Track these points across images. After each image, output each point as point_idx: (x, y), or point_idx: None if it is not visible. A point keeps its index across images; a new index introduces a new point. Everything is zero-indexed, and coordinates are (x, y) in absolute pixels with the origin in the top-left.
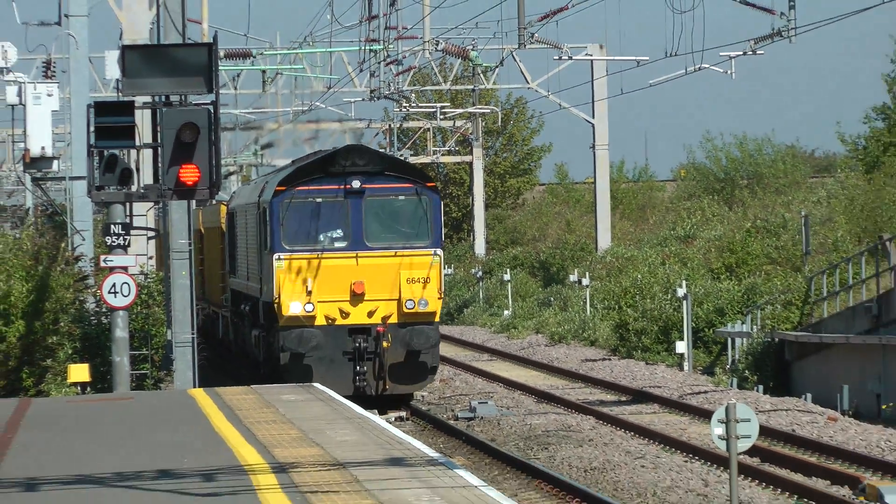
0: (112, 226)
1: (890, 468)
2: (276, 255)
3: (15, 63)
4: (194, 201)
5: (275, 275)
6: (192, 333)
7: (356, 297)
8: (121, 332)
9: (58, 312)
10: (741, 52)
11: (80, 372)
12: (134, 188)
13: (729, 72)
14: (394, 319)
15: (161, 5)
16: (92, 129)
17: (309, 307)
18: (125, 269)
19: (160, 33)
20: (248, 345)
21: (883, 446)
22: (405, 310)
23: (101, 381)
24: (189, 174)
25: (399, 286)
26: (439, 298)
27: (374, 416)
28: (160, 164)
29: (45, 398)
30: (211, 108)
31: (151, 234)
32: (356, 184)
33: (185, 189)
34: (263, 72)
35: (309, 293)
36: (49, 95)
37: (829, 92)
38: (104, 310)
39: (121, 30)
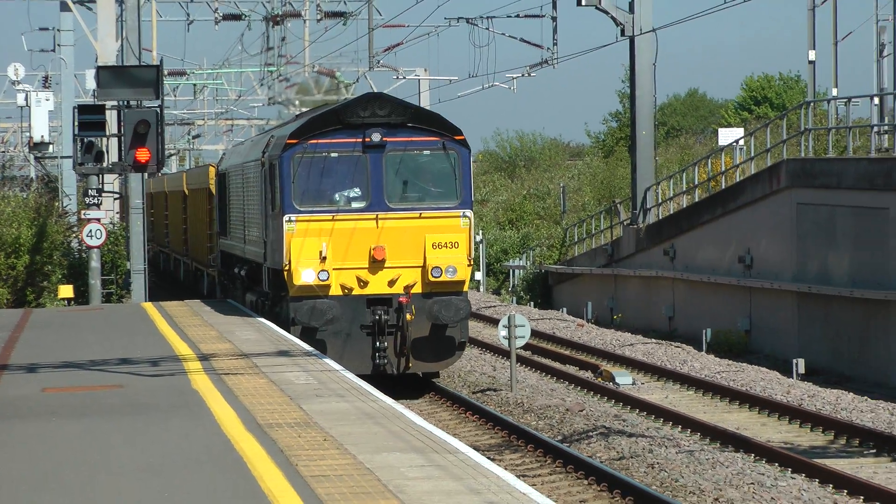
0: (90, 190)
1: (619, 358)
2: (286, 217)
3: (23, 77)
4: (146, 173)
5: (284, 239)
6: (144, 265)
7: (376, 264)
8: (95, 264)
9: (52, 249)
10: (520, 74)
11: (66, 290)
12: (105, 164)
13: (512, 88)
14: (418, 289)
15: (124, 38)
16: (76, 123)
17: (323, 275)
18: (98, 220)
19: (123, 57)
20: None
21: (614, 343)
22: (431, 278)
23: (81, 297)
24: (142, 155)
25: (424, 251)
26: (469, 265)
27: (267, 322)
28: (122, 148)
29: (41, 308)
30: (157, 109)
31: (116, 195)
32: (376, 137)
33: (139, 165)
34: (194, 85)
35: (323, 259)
36: (47, 100)
37: (581, 101)
38: (84, 248)
39: (96, 55)
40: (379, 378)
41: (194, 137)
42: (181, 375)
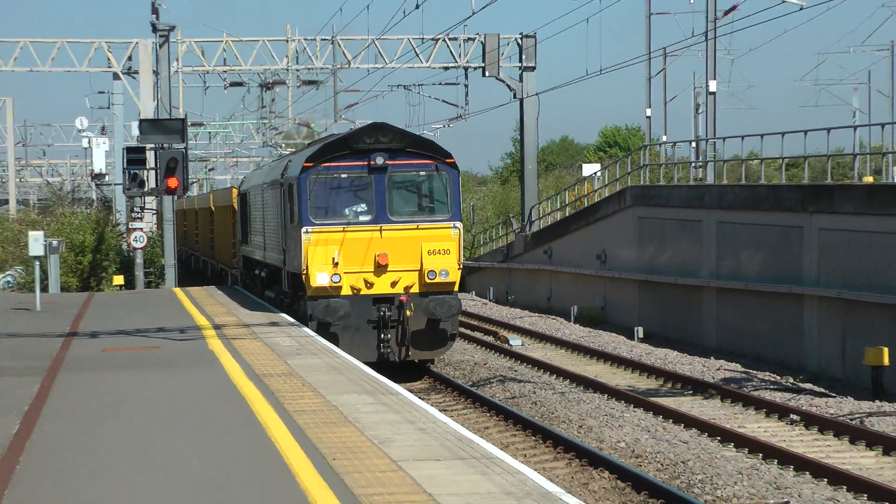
0: (135, 208)
1: (512, 327)
2: (304, 229)
3: (86, 126)
4: (175, 196)
5: (302, 247)
6: (174, 261)
7: (380, 269)
8: (139, 260)
9: (108, 250)
10: (442, 125)
11: (118, 279)
12: (146, 189)
13: (437, 135)
14: (416, 289)
15: (159, 99)
16: (125, 160)
17: (336, 278)
18: (141, 229)
19: (158, 112)
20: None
21: (509, 316)
22: (427, 280)
23: (129, 284)
24: (172, 183)
25: (421, 257)
26: (459, 269)
27: (264, 303)
28: (158, 178)
29: (101, 292)
30: (183, 150)
31: (154, 212)
32: (380, 160)
33: (170, 190)
34: (209, 133)
35: (335, 265)
36: (103, 143)
37: (485, 145)
38: (131, 249)
39: (139, 111)
40: (383, 364)
41: (209, 170)
42: (200, 340)
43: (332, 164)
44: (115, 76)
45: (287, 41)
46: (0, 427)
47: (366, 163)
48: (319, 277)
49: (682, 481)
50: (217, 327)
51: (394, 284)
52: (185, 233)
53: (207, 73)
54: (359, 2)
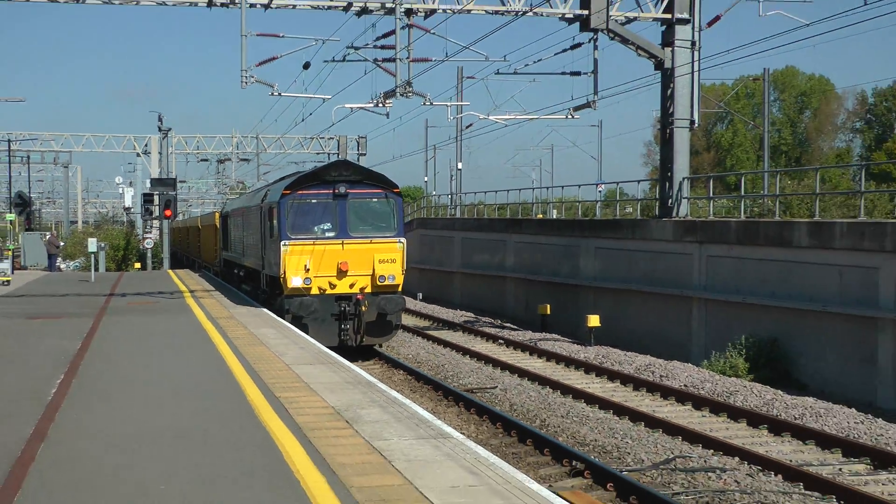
0: (147, 226)
1: (414, 312)
2: (282, 242)
3: (120, 181)
4: (170, 220)
5: (281, 256)
6: (168, 255)
7: (341, 273)
8: (148, 254)
9: (132, 248)
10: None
11: (137, 265)
12: (153, 216)
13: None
14: (369, 290)
15: (162, 167)
16: (142, 200)
17: (307, 281)
18: (150, 237)
19: (163, 173)
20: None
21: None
22: (378, 283)
23: (143, 267)
24: (168, 213)
25: (373, 265)
26: (402, 274)
27: (222, 282)
28: (160, 210)
29: (127, 272)
30: (174, 195)
31: (157, 228)
32: (342, 189)
33: (166, 217)
34: (189, 186)
35: (307, 270)
36: (130, 191)
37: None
38: (144, 248)
39: (150, 173)
40: (342, 348)
41: (189, 206)
42: (181, 298)
43: (305, 191)
44: (138, 154)
45: (232, 137)
46: (70, 343)
47: (331, 191)
48: (294, 280)
49: (442, 375)
50: (191, 291)
51: (352, 286)
52: (180, 241)
53: (188, 153)
54: (273, 112)
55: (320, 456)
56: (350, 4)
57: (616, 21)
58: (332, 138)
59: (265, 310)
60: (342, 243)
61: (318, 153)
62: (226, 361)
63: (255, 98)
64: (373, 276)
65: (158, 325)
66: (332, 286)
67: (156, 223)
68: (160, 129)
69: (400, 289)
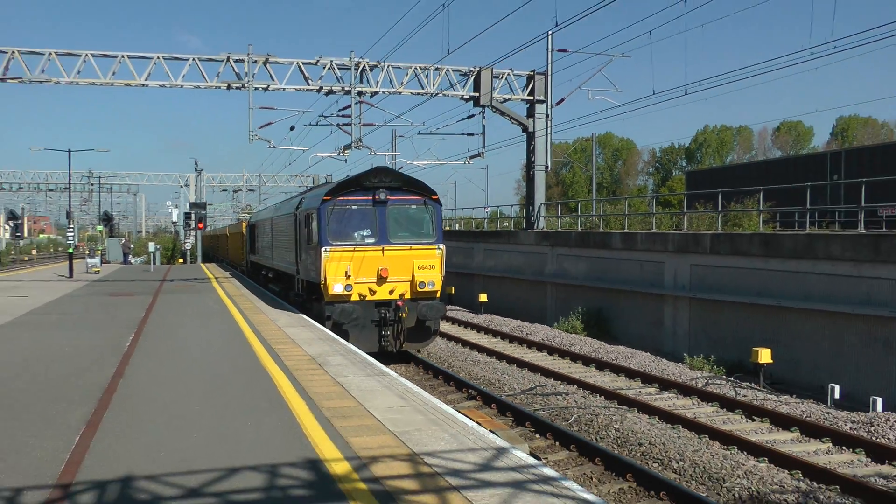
0: (187, 234)
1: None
2: (323, 248)
3: (170, 205)
4: (202, 231)
5: (322, 263)
6: (199, 254)
7: (381, 280)
8: (188, 253)
9: (177, 249)
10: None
11: (181, 260)
12: (191, 228)
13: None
14: (408, 296)
15: (197, 195)
16: (184, 217)
17: (348, 287)
18: (189, 241)
19: (196, 198)
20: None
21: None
22: (417, 289)
23: (185, 262)
24: (200, 226)
25: (412, 271)
26: (441, 280)
27: (239, 273)
28: (194, 223)
29: (174, 265)
30: (204, 214)
31: (193, 235)
32: (382, 195)
33: (199, 228)
34: (214, 208)
35: (347, 276)
36: (176, 211)
37: None
38: (185, 249)
39: (188, 200)
40: (382, 353)
41: (214, 221)
42: (208, 282)
43: (346, 197)
44: (181, 186)
45: (243, 175)
46: (137, 313)
47: (371, 197)
48: (336, 287)
49: None
50: (216, 279)
51: (391, 292)
52: (211, 245)
53: (213, 186)
54: (270, 158)
55: (302, 388)
56: (321, 88)
57: (497, 100)
58: (309, 176)
59: (264, 291)
60: (382, 249)
61: (299, 186)
62: (238, 324)
63: (258, 149)
64: (412, 282)
65: (194, 299)
66: (373, 292)
67: (192, 233)
68: (196, 170)
69: (438, 294)
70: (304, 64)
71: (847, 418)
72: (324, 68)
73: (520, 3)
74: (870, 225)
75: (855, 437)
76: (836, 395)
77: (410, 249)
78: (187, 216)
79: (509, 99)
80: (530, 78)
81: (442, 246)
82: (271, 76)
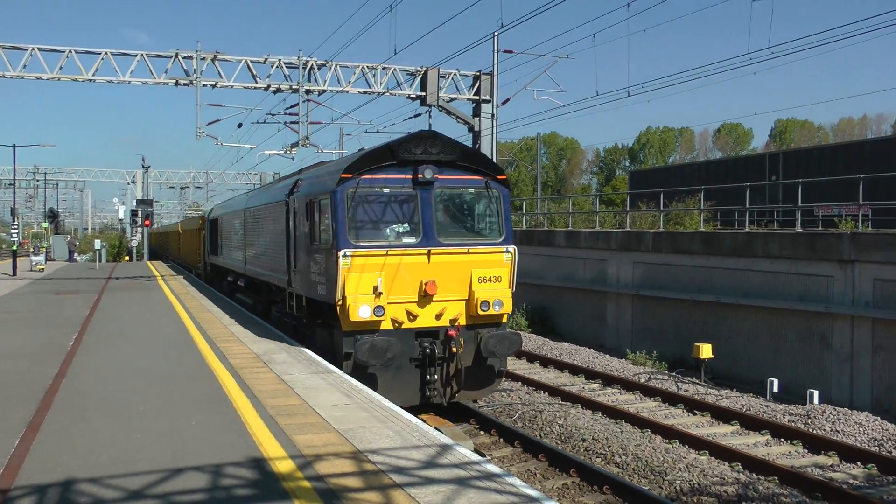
0: (133, 231)
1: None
2: (341, 252)
3: (117, 202)
4: (149, 228)
5: (339, 273)
6: (146, 251)
7: (425, 298)
8: (134, 250)
9: (122, 246)
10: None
11: (126, 258)
12: (137, 225)
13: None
14: (462, 321)
15: (143, 192)
16: (130, 214)
17: (378, 311)
18: (135, 239)
19: (143, 196)
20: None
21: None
22: (479, 312)
23: (131, 259)
24: (147, 223)
25: (470, 285)
26: (511, 298)
27: (185, 271)
28: (141, 220)
29: (120, 262)
30: (151, 211)
31: (140, 232)
32: (428, 173)
33: (146, 226)
34: (161, 205)
35: (378, 295)
36: (123, 208)
37: None
38: (131, 246)
39: (135, 198)
40: (424, 405)
41: (161, 218)
42: (155, 280)
43: (374, 175)
44: (128, 183)
45: (190, 171)
46: (83, 310)
47: (411, 176)
48: (362, 310)
49: None
50: (162, 276)
51: (438, 317)
52: (159, 243)
53: (161, 182)
54: (217, 155)
55: (246, 386)
56: (269, 86)
57: (443, 99)
58: (257, 174)
59: (208, 287)
60: (427, 253)
61: (247, 183)
62: (183, 322)
63: (206, 146)
64: (469, 301)
65: (139, 298)
66: (412, 317)
67: (139, 230)
68: (143, 166)
69: (505, 318)
70: (252, 62)
71: (785, 411)
72: (272, 67)
73: (466, 5)
74: (806, 224)
75: (793, 430)
76: (775, 389)
77: (468, 254)
78: (134, 213)
79: (455, 98)
80: (476, 78)
81: (512, 248)
82: (220, 73)
